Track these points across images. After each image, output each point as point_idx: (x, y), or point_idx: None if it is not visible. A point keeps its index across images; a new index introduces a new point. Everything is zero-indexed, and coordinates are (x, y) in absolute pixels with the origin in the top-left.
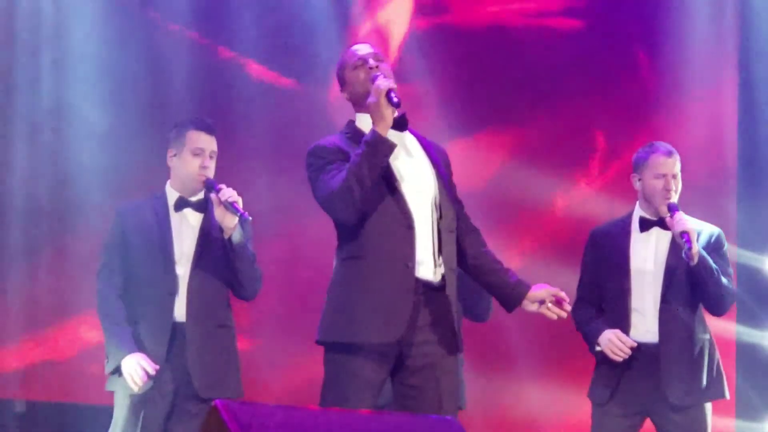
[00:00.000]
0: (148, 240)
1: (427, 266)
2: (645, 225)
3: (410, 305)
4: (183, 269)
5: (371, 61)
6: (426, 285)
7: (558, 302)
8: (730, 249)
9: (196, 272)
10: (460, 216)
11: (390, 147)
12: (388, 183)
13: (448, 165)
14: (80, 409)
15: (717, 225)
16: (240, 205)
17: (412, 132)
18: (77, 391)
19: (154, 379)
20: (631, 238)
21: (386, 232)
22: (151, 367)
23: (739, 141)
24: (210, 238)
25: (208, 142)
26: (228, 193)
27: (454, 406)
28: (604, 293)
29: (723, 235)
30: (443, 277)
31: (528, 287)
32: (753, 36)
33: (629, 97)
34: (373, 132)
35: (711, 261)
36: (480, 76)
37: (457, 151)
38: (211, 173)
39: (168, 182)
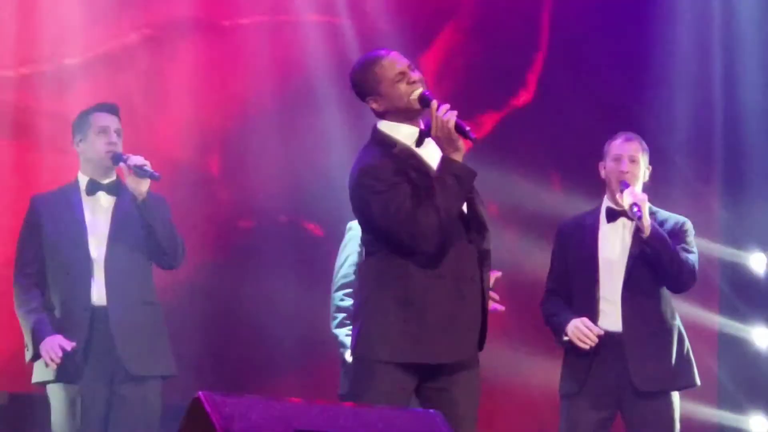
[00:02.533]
0: (61, 227)
1: None
2: (612, 215)
3: (479, 320)
4: (98, 252)
5: (411, 75)
6: None
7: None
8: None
9: (111, 253)
10: None
11: (473, 174)
12: None
13: None
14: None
15: (700, 221)
16: (149, 167)
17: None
18: None
19: (86, 367)
20: (600, 228)
21: (454, 249)
22: (68, 344)
23: (723, 138)
24: (125, 219)
25: (111, 120)
26: (136, 159)
27: (476, 407)
28: (572, 285)
29: (690, 224)
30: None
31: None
32: (737, 34)
33: (614, 96)
34: (453, 162)
35: (665, 234)
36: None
37: None
38: (118, 149)
39: (79, 171)
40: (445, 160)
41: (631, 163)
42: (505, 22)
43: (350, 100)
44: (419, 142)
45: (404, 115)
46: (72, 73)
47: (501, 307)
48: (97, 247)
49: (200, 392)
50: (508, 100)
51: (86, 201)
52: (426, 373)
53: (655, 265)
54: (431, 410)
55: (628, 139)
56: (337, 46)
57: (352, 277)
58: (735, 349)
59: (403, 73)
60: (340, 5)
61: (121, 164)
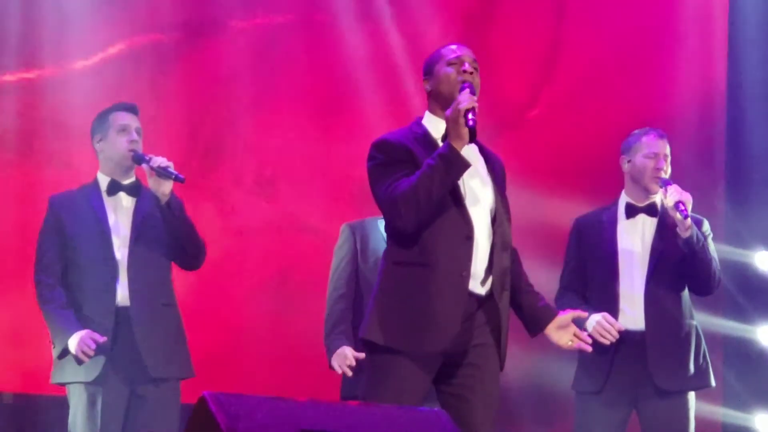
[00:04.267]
0: (84, 227)
1: (478, 280)
2: (631, 211)
3: (459, 318)
4: (121, 253)
5: (467, 65)
6: (475, 297)
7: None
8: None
9: (134, 255)
10: None
11: (465, 166)
12: (453, 192)
13: (503, 178)
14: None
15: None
16: (173, 168)
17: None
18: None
19: (108, 368)
20: (618, 224)
21: (446, 241)
22: (99, 337)
23: (727, 138)
24: (146, 220)
25: (132, 119)
26: (159, 160)
27: (493, 413)
28: (590, 281)
29: (708, 224)
30: (492, 292)
31: (555, 313)
32: (741, 34)
33: (620, 98)
34: (450, 147)
35: (703, 238)
36: None
37: None
38: (139, 149)
39: (98, 171)
40: (445, 145)
41: (665, 161)
42: (518, 36)
43: (372, 100)
44: (444, 137)
45: (444, 103)
46: (77, 78)
47: (588, 348)
48: (121, 248)
49: (205, 392)
50: (521, 114)
51: (107, 201)
52: (438, 372)
53: (687, 267)
54: (437, 409)
55: (661, 136)
56: (346, 49)
57: (345, 280)
58: (740, 347)
59: (459, 61)
60: (359, 11)
61: (144, 165)
